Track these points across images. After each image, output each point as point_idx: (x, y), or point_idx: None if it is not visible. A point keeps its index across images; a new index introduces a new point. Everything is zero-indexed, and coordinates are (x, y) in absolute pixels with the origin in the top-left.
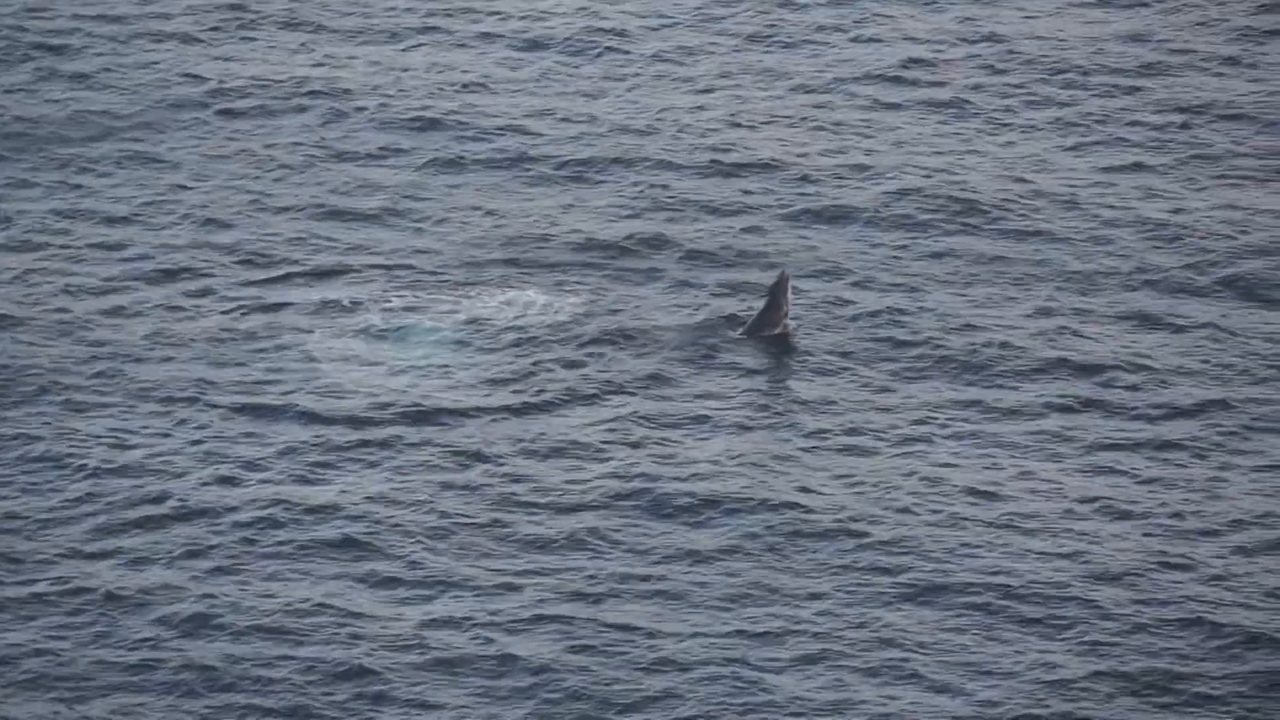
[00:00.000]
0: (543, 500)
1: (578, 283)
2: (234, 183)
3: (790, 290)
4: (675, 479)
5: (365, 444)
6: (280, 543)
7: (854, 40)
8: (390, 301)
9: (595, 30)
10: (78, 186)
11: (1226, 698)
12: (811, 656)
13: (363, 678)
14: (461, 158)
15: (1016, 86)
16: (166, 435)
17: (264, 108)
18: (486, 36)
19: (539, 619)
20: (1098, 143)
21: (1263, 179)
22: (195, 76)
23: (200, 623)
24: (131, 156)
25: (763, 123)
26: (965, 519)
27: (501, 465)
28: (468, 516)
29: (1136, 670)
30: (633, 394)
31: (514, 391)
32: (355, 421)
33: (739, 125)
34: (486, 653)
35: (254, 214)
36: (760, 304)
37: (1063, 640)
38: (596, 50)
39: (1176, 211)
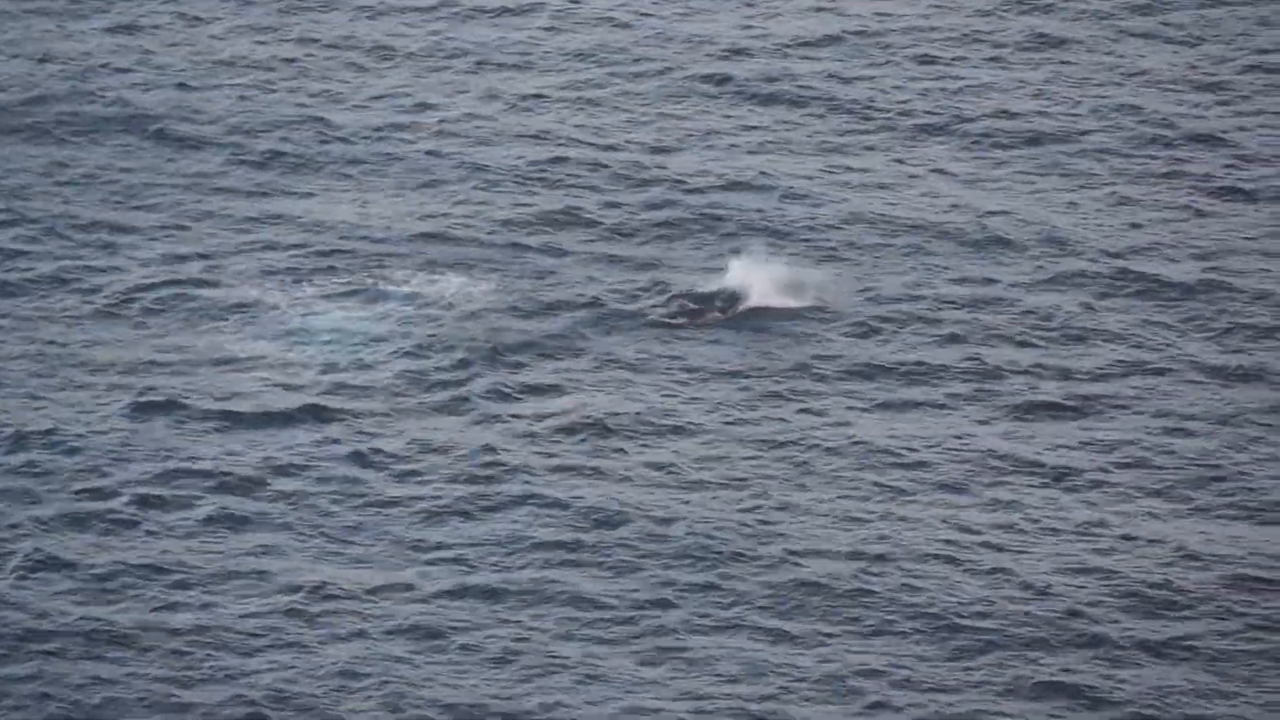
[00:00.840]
0: (422, 494)
1: (484, 265)
2: (130, 180)
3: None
4: (583, 463)
5: (268, 427)
6: (164, 523)
7: (732, 27)
8: (300, 290)
9: (467, 12)
10: None
11: (1073, 669)
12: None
13: (221, 650)
14: (357, 152)
15: (887, 74)
16: (72, 421)
17: (138, 103)
18: (352, 37)
19: (392, 610)
20: (971, 127)
21: (1147, 174)
22: (67, 67)
23: (88, 596)
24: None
25: (624, 114)
26: (852, 488)
27: (389, 457)
28: (356, 506)
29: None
30: (537, 386)
31: (416, 380)
32: (262, 410)
33: (616, 112)
34: (347, 640)
35: (141, 207)
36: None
37: (922, 616)
38: (466, 42)
39: (1065, 205)
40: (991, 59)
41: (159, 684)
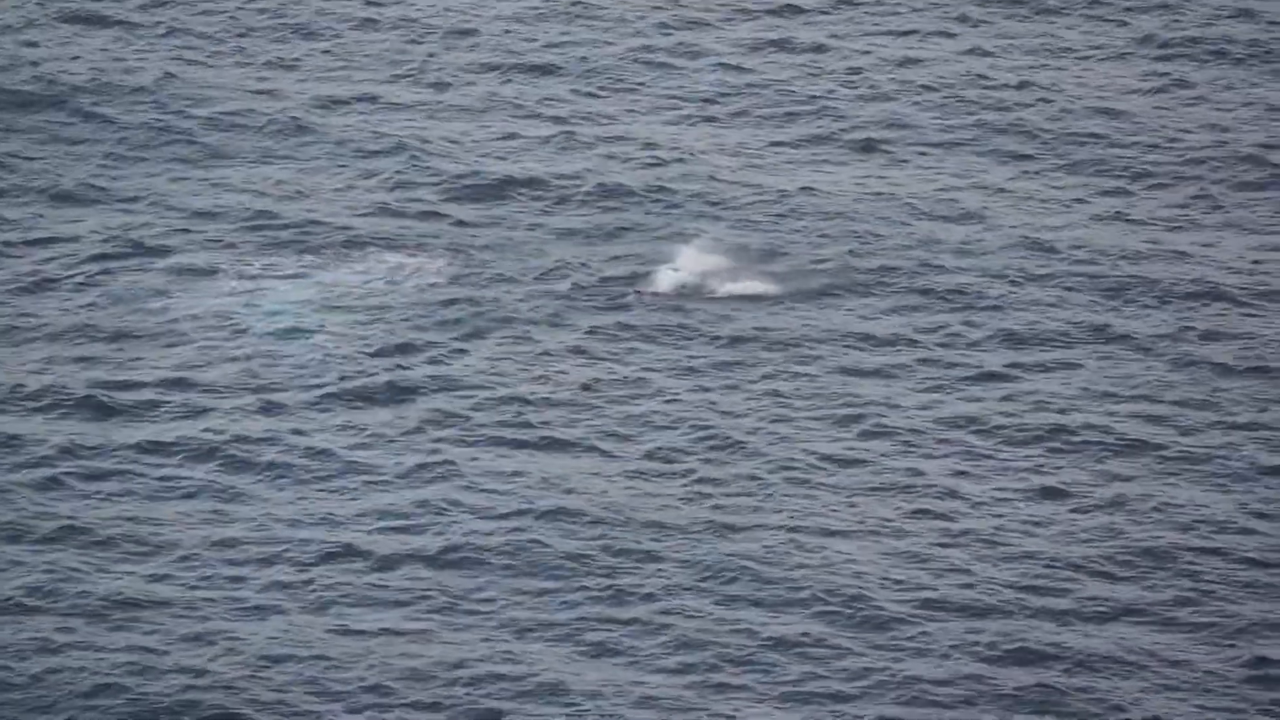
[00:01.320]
0: (363, 469)
1: (428, 239)
2: (70, 164)
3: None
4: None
5: (208, 401)
6: (99, 498)
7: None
8: (243, 265)
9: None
10: None
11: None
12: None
13: (158, 625)
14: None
15: (823, 49)
16: (8, 397)
17: (66, 77)
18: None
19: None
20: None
21: (1077, 149)
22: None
23: (24, 569)
24: None
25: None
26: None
27: (330, 432)
28: (295, 481)
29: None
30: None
31: (359, 355)
32: (202, 384)
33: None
34: (279, 616)
35: (76, 181)
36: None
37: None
38: (405, 13)
39: (996, 179)
40: (925, 35)
41: (94, 654)
